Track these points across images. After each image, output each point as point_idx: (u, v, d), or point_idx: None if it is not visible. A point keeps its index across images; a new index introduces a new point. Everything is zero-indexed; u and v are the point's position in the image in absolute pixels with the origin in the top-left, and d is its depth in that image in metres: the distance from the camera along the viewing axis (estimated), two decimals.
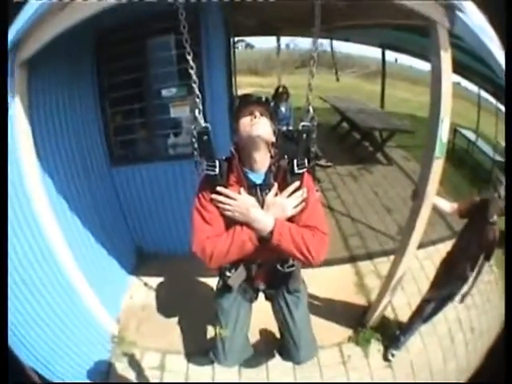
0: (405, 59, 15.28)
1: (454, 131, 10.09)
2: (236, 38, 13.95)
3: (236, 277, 2.71)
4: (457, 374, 4.14)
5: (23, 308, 3.37)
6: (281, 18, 8.27)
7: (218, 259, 2.34)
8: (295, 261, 2.72)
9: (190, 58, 2.35)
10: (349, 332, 4.56)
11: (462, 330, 4.58)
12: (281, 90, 8.59)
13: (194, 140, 2.53)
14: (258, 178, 2.45)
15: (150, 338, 4.52)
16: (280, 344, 3.37)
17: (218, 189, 2.36)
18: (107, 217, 5.16)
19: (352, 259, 5.80)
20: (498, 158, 8.58)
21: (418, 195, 3.72)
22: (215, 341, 3.09)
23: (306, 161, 2.45)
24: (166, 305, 4.98)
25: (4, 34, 2.67)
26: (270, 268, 2.75)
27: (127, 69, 4.89)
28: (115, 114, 5.17)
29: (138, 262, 5.80)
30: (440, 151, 3.44)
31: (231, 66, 10.06)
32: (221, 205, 2.36)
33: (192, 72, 2.40)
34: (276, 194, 2.40)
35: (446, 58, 3.20)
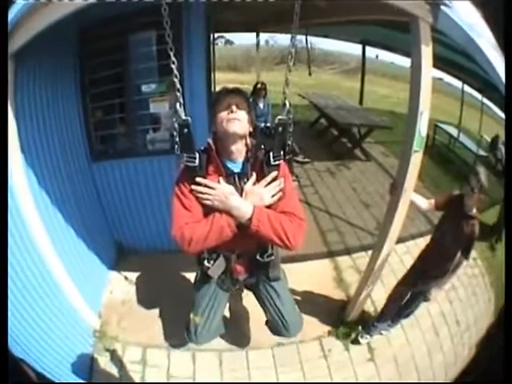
0: (386, 55, 15.32)
1: (435, 126, 10.14)
2: (216, 34, 13.91)
3: (216, 267, 2.75)
4: (444, 368, 4.19)
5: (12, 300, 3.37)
6: (261, 14, 8.32)
7: (197, 244, 2.39)
8: (274, 250, 2.78)
9: (171, 53, 2.37)
10: (328, 326, 4.61)
11: (446, 324, 4.64)
12: (259, 86, 8.57)
13: (174, 133, 2.56)
14: (235, 166, 2.54)
15: (131, 332, 4.52)
16: (268, 321, 3.37)
17: (198, 179, 2.42)
18: (88, 212, 5.14)
19: (330, 254, 5.86)
20: (482, 152, 8.67)
21: (395, 189, 3.77)
22: (189, 323, 3.16)
23: (281, 153, 2.52)
24: (147, 299, 4.98)
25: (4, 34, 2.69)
26: (249, 258, 2.81)
27: (108, 64, 4.88)
28: (96, 109, 5.13)
29: (118, 257, 5.77)
30: (418, 145, 3.49)
31: (211, 62, 10.05)
32: (200, 195, 2.41)
33: (173, 67, 2.42)
34: (254, 184, 2.46)
35: (426, 52, 3.25)
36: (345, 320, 4.66)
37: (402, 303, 4.29)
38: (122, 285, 5.28)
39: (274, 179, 2.45)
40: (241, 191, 2.46)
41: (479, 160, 8.34)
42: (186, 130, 2.43)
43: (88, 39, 4.79)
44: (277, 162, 2.47)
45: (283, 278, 3.11)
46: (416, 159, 3.56)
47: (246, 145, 2.56)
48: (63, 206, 4.40)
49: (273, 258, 2.81)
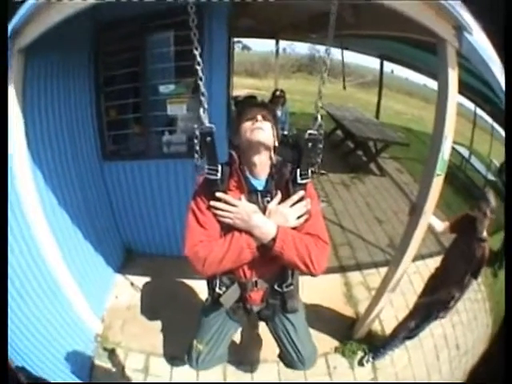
0: (401, 71, 15.27)
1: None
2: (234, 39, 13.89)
3: (229, 295, 2.53)
4: None
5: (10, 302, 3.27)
6: (281, 21, 8.25)
7: (211, 266, 2.21)
8: (293, 279, 2.58)
9: (197, 53, 2.22)
10: (335, 343, 4.50)
11: (447, 347, 4.54)
12: (278, 93, 8.45)
13: (196, 141, 2.33)
14: (259, 183, 2.35)
15: (135, 338, 4.43)
16: (281, 354, 3.18)
17: (218, 195, 2.24)
18: (96, 213, 5.05)
19: (341, 269, 5.74)
20: (491, 177, 8.52)
21: (415, 210, 3.67)
22: (191, 348, 2.97)
23: (309, 171, 2.33)
24: (152, 306, 4.87)
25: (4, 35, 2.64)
26: (267, 288, 2.59)
27: (124, 63, 4.80)
28: (110, 108, 5.04)
29: (126, 261, 5.68)
30: (441, 168, 3.41)
31: (230, 67, 10.00)
32: (220, 212, 2.24)
33: (199, 68, 2.27)
34: (279, 203, 2.29)
35: (453, 76, 3.16)
36: (352, 337, 4.55)
37: (410, 329, 4.19)
38: (128, 289, 5.19)
39: (301, 199, 2.27)
40: (263, 210, 2.28)
41: (489, 185, 8.27)
42: (209, 139, 2.22)
43: (106, 37, 4.71)
44: (305, 181, 2.29)
45: (301, 309, 2.90)
46: (437, 182, 3.47)
47: (271, 159, 2.37)
48: (70, 206, 4.33)
49: (292, 288, 2.60)
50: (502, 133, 7.32)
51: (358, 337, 4.55)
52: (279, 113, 8.30)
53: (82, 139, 4.72)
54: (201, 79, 2.32)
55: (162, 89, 4.86)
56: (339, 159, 10.20)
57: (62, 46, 4.02)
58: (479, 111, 9.45)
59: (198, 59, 2.24)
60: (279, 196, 2.30)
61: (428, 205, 3.54)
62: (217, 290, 2.52)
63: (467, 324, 4.76)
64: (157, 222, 5.54)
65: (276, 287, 2.56)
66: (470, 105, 9.50)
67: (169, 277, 5.15)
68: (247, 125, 2.28)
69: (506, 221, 3.02)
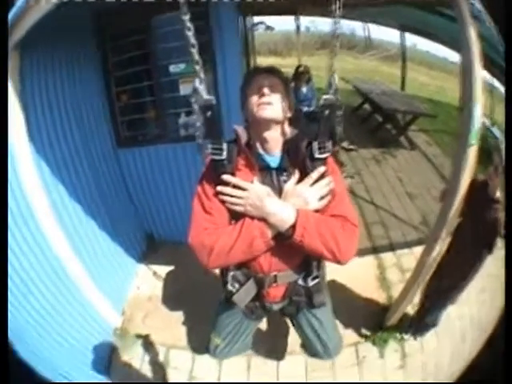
0: (421, 44, 15.01)
1: None
2: (255, 20, 13.76)
3: (243, 294, 2.23)
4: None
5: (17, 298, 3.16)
6: None
7: (219, 257, 1.95)
8: (320, 270, 2.27)
9: (190, 34, 1.94)
10: (366, 331, 4.22)
11: (472, 328, 4.12)
12: (301, 69, 8.12)
13: (195, 117, 2.11)
14: (272, 160, 2.07)
15: (156, 331, 4.26)
16: (304, 344, 2.93)
17: (225, 177, 1.97)
18: (113, 203, 4.87)
19: (374, 250, 5.40)
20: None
21: (445, 195, 3.38)
22: (209, 340, 2.75)
23: (329, 144, 2.00)
24: (175, 296, 4.68)
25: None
26: (289, 283, 2.27)
27: (132, 45, 4.58)
28: (120, 93, 4.82)
29: (148, 250, 5.51)
30: (473, 137, 3.10)
31: (248, 44, 9.71)
32: (228, 198, 1.97)
33: (193, 51, 1.99)
34: (296, 182, 1.99)
35: (474, 36, 2.83)
36: (384, 324, 4.23)
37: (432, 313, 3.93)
38: (150, 279, 5.02)
39: (322, 176, 1.96)
40: (279, 191, 2.01)
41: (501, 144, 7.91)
42: (209, 113, 1.97)
43: (111, 20, 4.47)
44: (324, 155, 1.97)
45: (328, 301, 2.59)
46: (472, 153, 3.16)
47: (284, 134, 2.09)
48: (83, 197, 4.17)
49: (318, 280, 2.27)
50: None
51: (390, 324, 4.22)
52: (304, 89, 8.02)
53: (93, 128, 4.54)
54: (193, 46, 1.99)
55: (173, 68, 4.59)
56: (368, 134, 9.85)
57: (63, 36, 3.81)
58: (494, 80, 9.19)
59: (192, 41, 1.95)
60: (297, 174, 2.02)
61: (464, 178, 3.20)
62: (229, 287, 2.24)
63: (490, 302, 4.44)
64: (178, 207, 5.32)
65: (300, 282, 2.26)
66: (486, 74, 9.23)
67: (193, 265, 4.92)
68: (253, 99, 2.01)
69: (506, 221, 2.74)
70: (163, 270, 5.11)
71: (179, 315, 4.44)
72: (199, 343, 3.98)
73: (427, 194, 6.65)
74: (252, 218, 1.94)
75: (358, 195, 6.85)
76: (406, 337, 4.11)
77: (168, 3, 4.15)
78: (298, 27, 13.11)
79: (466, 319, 4.09)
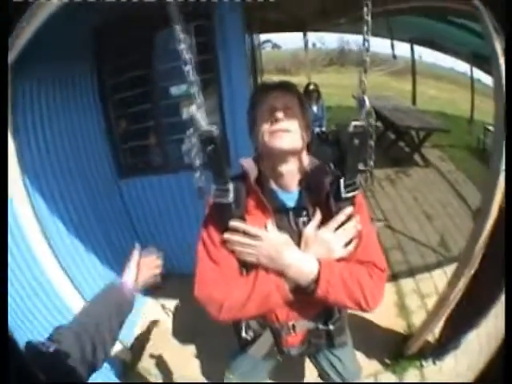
0: (429, 56, 15.13)
1: (485, 130, 9.45)
2: (262, 39, 13.75)
3: (259, 345, 1.99)
4: None
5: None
6: (308, 9, 7.81)
7: (231, 312, 1.70)
8: (341, 312, 2.02)
9: (183, 47, 1.46)
10: (386, 361, 3.98)
11: (488, 343, 3.80)
12: (311, 87, 7.96)
13: (193, 153, 1.67)
14: (289, 198, 1.77)
15: (165, 365, 4.06)
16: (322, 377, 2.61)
17: (234, 224, 1.68)
18: (117, 235, 4.67)
19: (393, 277, 5.13)
20: None
21: (480, 214, 3.10)
22: (224, 376, 2.49)
23: (357, 179, 1.69)
24: (185, 330, 4.49)
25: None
26: (308, 329, 2.01)
27: (130, 66, 4.35)
28: (119, 118, 4.63)
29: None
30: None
31: (256, 63, 9.58)
32: (238, 247, 1.68)
33: (186, 68, 1.49)
34: (318, 226, 1.69)
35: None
36: (404, 353, 3.99)
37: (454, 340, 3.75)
38: (158, 313, 4.82)
39: (348, 219, 1.67)
40: (298, 236, 1.72)
41: None
42: (211, 147, 1.56)
43: (106, 41, 4.30)
44: (352, 194, 1.67)
45: (349, 346, 2.34)
46: (502, 179, 2.83)
47: (302, 165, 1.77)
48: (84, 232, 3.99)
49: (340, 323, 2.04)
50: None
51: (410, 352, 3.98)
52: (315, 108, 7.88)
53: (90, 157, 4.34)
54: (192, 83, 1.56)
55: (174, 90, 4.37)
56: (381, 153, 9.53)
57: (56, 58, 3.66)
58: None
59: (185, 56, 1.48)
60: (318, 216, 1.72)
61: (496, 200, 2.91)
62: (243, 334, 1.99)
63: (501, 314, 4.19)
64: (184, 239, 5.03)
65: (320, 326, 2.00)
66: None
67: None
68: (265, 125, 1.68)
69: (506, 223, 2.53)
70: (171, 303, 4.92)
71: (191, 349, 4.26)
72: (211, 378, 3.86)
73: (444, 212, 6.54)
74: (266, 269, 1.68)
75: (374, 219, 6.59)
76: (425, 364, 3.89)
77: (169, 18, 4.02)
78: (305, 44, 13.01)
79: (483, 335, 3.83)
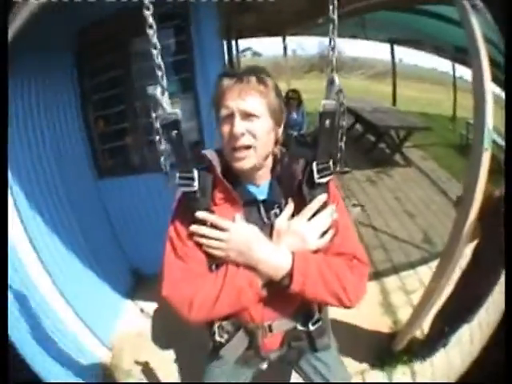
0: (409, 58, 15.45)
1: (467, 124, 9.48)
2: (242, 46, 13.74)
3: (232, 347, 1.81)
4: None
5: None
6: (282, 12, 7.79)
7: (201, 311, 1.56)
8: (322, 312, 1.89)
9: (155, 52, 1.44)
10: (373, 359, 3.91)
11: (481, 330, 3.87)
12: (291, 94, 7.86)
13: (157, 138, 1.54)
14: (259, 191, 1.65)
15: (145, 368, 3.99)
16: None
17: (199, 214, 1.55)
18: (97, 237, 4.61)
19: (377, 275, 5.08)
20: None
21: (462, 201, 3.09)
22: None
23: (330, 163, 1.59)
24: (164, 333, 4.43)
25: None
26: (287, 330, 1.86)
27: (107, 66, 4.34)
28: (98, 118, 4.60)
29: (135, 285, 5.21)
30: (488, 142, 2.85)
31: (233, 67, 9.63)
32: (205, 240, 1.56)
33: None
34: (291, 216, 1.59)
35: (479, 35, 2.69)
36: (392, 350, 3.93)
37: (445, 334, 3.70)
38: (138, 316, 4.74)
39: (323, 206, 1.57)
40: (270, 229, 1.60)
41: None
42: (174, 133, 1.46)
43: (86, 40, 4.25)
44: (325, 179, 1.56)
45: (333, 343, 2.18)
46: (486, 158, 2.87)
47: (274, 156, 1.67)
48: (64, 233, 3.92)
49: (321, 323, 1.87)
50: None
51: (398, 349, 3.93)
52: (295, 115, 7.81)
53: (69, 157, 4.30)
54: (158, 67, 1.51)
55: (150, 90, 4.26)
56: (362, 154, 9.65)
57: (36, 59, 3.64)
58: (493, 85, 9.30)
59: (154, 41, 1.41)
60: (291, 206, 1.61)
61: (479, 185, 2.91)
62: (216, 337, 1.82)
63: (494, 302, 4.18)
64: (163, 239, 4.92)
65: (299, 326, 1.87)
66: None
67: None
68: (225, 126, 1.52)
69: (505, 222, 2.51)
70: (151, 306, 4.84)
71: (169, 353, 4.20)
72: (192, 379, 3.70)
73: (427, 210, 6.61)
74: (237, 265, 1.56)
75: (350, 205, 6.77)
76: (414, 360, 3.86)
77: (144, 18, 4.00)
78: (285, 48, 13.11)
79: (475, 325, 3.82)
